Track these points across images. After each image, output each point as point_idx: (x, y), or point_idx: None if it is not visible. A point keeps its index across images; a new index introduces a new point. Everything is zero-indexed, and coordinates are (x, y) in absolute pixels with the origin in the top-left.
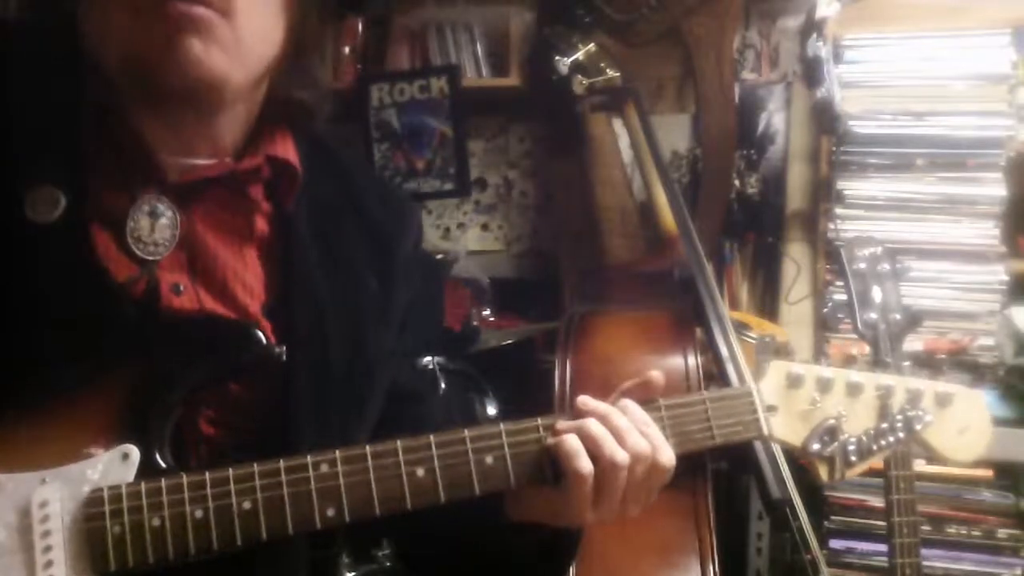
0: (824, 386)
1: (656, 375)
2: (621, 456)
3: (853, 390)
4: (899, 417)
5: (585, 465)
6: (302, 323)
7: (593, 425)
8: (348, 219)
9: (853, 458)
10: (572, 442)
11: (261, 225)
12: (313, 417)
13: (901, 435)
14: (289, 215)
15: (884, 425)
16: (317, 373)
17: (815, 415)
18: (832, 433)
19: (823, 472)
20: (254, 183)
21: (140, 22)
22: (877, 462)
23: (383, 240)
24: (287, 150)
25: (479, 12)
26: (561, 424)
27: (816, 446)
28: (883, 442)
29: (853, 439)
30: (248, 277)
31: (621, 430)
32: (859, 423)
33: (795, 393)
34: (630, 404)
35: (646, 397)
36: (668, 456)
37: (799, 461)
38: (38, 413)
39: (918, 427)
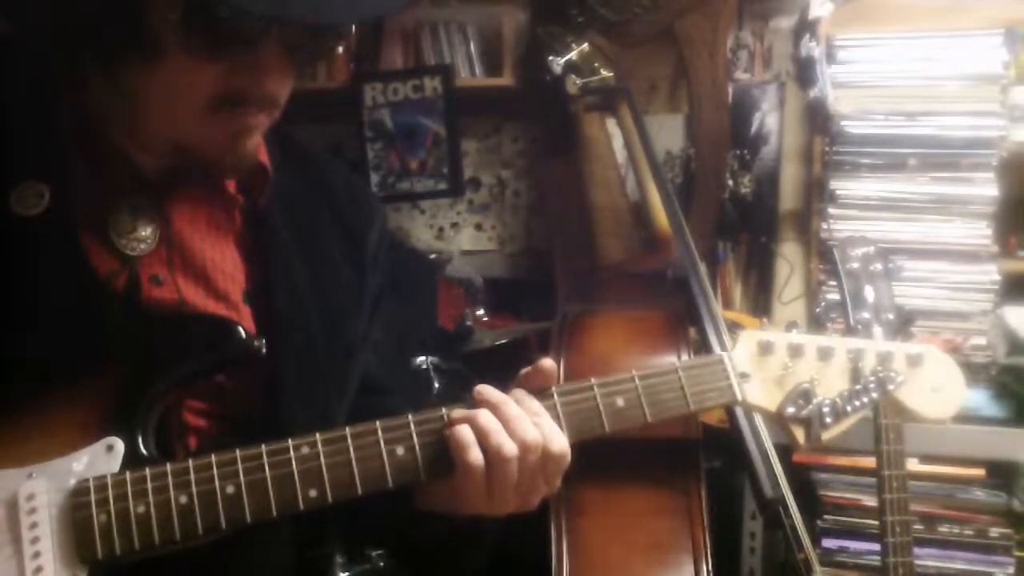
0: (795, 351)
1: (547, 362)
2: (508, 447)
3: (824, 354)
4: (871, 379)
5: (475, 456)
6: (283, 308)
7: (483, 416)
8: (321, 213)
9: (828, 420)
10: (463, 433)
11: (238, 219)
12: (299, 400)
13: (875, 395)
14: (263, 209)
15: (857, 387)
16: (300, 357)
17: (788, 380)
18: (806, 396)
19: (800, 435)
20: (228, 178)
21: (207, 127)
22: (870, 461)
23: (353, 230)
24: (259, 151)
25: (472, 12)
26: (456, 414)
27: (791, 409)
28: (857, 403)
29: (827, 401)
30: (227, 266)
31: (511, 419)
32: (832, 386)
33: (767, 360)
34: (523, 394)
35: (542, 385)
36: (560, 445)
37: (778, 427)
38: (21, 408)
39: (891, 387)
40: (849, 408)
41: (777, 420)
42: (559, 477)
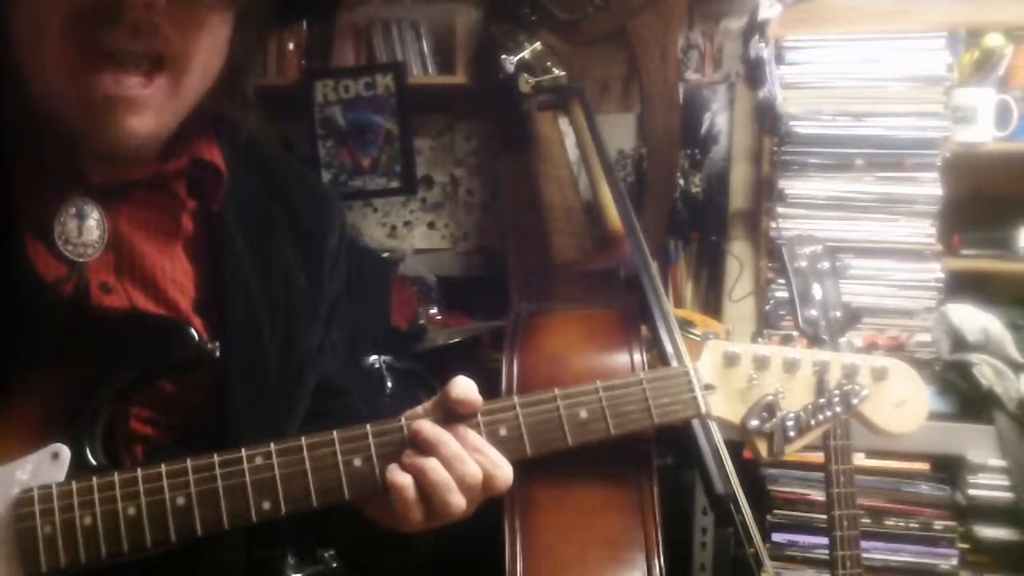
0: (761, 364)
1: (460, 388)
2: (456, 502)
3: (790, 367)
4: (836, 392)
5: (416, 513)
6: (234, 319)
7: (433, 473)
8: (275, 216)
9: (792, 433)
10: (407, 494)
11: (188, 223)
12: (250, 413)
13: (839, 409)
14: (216, 213)
15: (822, 400)
16: (251, 369)
17: (753, 392)
18: (770, 409)
19: (763, 449)
20: (178, 180)
21: (73, 85)
22: (818, 456)
23: (310, 236)
24: (212, 152)
25: (425, 9)
26: (405, 462)
27: (755, 422)
28: (821, 417)
29: (791, 415)
30: (177, 274)
31: (451, 460)
32: (797, 399)
33: (732, 372)
34: (465, 430)
35: (468, 411)
36: (503, 476)
37: (742, 440)
38: None
39: (855, 401)
40: (813, 422)
41: (740, 433)
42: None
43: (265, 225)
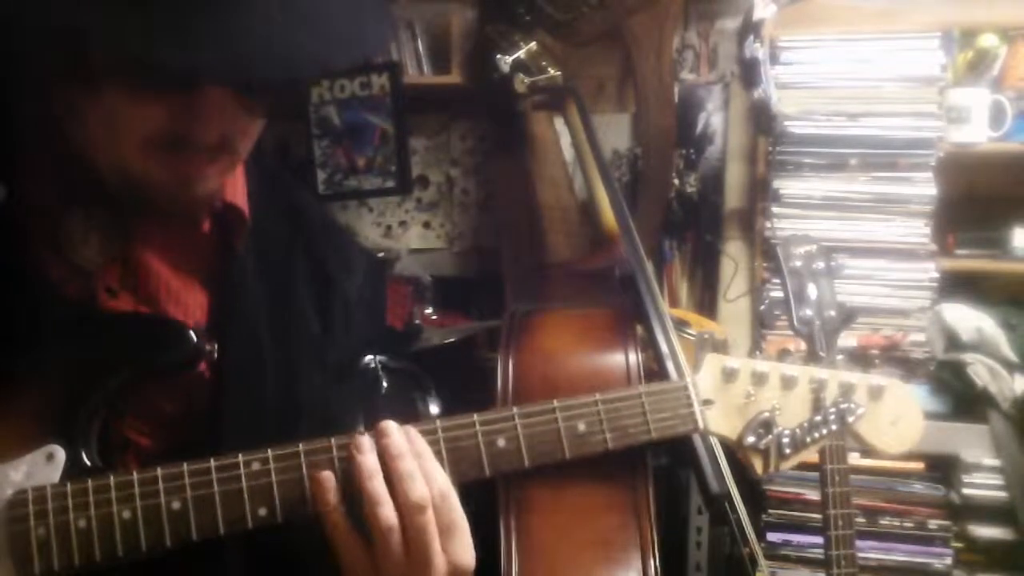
0: (759, 379)
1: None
2: (420, 490)
3: (787, 383)
4: (832, 410)
5: (389, 515)
6: (237, 348)
7: (402, 463)
8: (296, 259)
9: (787, 450)
10: (376, 489)
11: (210, 255)
12: (242, 438)
13: (834, 427)
14: (238, 253)
15: (818, 418)
16: (249, 409)
17: (750, 408)
18: (767, 426)
19: (758, 465)
20: (188, 217)
21: (158, 162)
22: (813, 456)
23: (327, 281)
24: (237, 194)
25: (420, 9)
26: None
27: (751, 439)
28: (816, 434)
29: (787, 432)
30: (184, 295)
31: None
32: (793, 416)
33: (730, 386)
34: (412, 431)
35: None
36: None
37: (737, 455)
38: None
39: (851, 419)
40: (808, 439)
41: (736, 449)
42: (457, 538)
43: (285, 268)
